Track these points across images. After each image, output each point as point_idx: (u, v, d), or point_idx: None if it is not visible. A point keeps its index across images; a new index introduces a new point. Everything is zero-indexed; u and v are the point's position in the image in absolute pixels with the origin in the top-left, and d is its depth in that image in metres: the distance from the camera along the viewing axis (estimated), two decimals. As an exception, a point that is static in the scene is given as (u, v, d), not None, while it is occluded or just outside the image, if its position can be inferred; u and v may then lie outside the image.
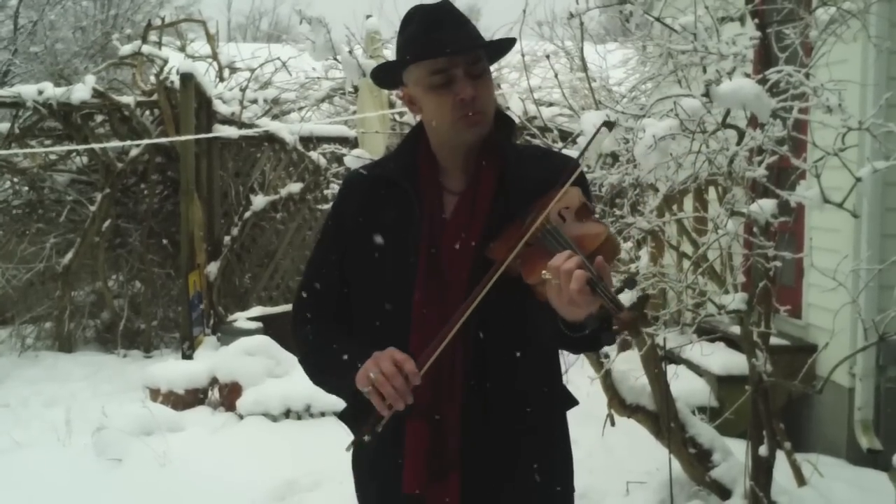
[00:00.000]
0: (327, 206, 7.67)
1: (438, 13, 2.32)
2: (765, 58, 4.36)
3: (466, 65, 2.26)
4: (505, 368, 2.27)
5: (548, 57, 5.43)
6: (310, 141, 10.31)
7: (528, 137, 4.90)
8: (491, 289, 2.16)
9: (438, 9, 2.33)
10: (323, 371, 2.39)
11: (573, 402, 2.45)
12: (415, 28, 2.31)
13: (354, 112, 9.33)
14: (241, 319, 9.19)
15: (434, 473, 2.23)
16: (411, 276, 2.25)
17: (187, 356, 8.98)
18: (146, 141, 9.78)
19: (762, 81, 3.71)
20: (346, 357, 2.26)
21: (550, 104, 10.01)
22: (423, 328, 2.22)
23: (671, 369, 5.51)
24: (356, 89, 7.79)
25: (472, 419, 2.24)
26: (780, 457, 4.61)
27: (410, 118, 8.94)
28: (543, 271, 2.04)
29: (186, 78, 9.43)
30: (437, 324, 2.18)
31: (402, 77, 2.36)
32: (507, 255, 2.15)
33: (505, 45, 2.41)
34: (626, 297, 4.40)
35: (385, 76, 2.43)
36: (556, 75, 4.99)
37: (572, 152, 3.94)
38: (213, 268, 10.02)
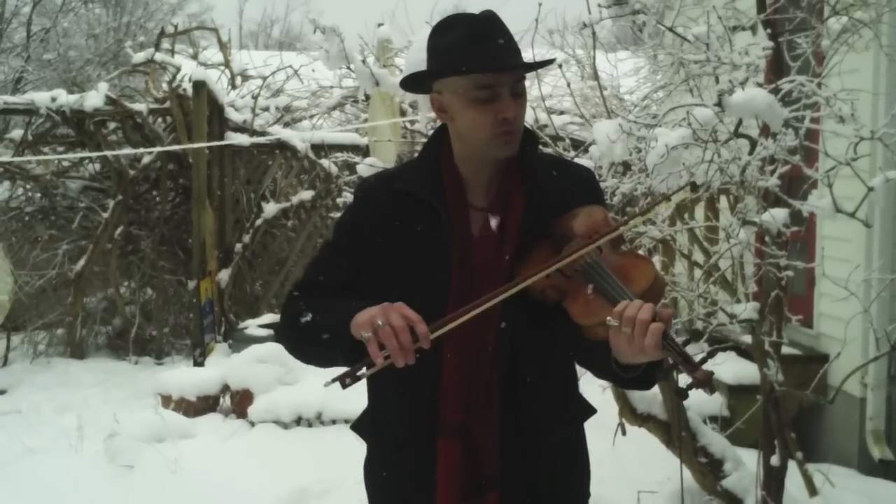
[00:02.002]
0: (339, 214, 7.70)
1: (487, 23, 2.24)
2: (777, 67, 4.35)
3: (512, 82, 2.21)
4: (537, 387, 2.25)
5: (560, 66, 5.43)
6: (321, 149, 10.33)
7: (539, 146, 4.89)
8: (523, 316, 2.15)
9: (486, 19, 2.25)
10: (311, 325, 2.23)
11: (591, 410, 2.45)
12: (459, 36, 2.22)
13: (366, 120, 9.35)
14: (252, 327, 9.21)
15: (469, 494, 2.21)
16: (442, 295, 2.19)
17: (199, 363, 8.99)
18: (158, 148, 9.81)
19: (774, 91, 3.72)
20: (341, 305, 2.15)
21: (562, 112, 10.02)
22: (457, 348, 2.18)
23: (682, 378, 5.50)
24: (368, 97, 7.82)
25: (509, 438, 2.22)
26: (792, 467, 4.60)
27: (422, 126, 8.95)
28: (608, 318, 1.99)
29: (199, 85, 9.47)
30: (470, 343, 2.17)
31: (432, 83, 2.29)
32: (543, 280, 2.12)
33: (546, 64, 2.40)
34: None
35: (414, 81, 2.35)
36: (567, 84, 5.00)
37: (584, 161, 3.95)
38: (224, 275, 10.05)
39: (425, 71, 2.31)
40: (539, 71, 7.36)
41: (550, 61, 2.40)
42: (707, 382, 1.96)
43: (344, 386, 2.05)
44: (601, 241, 2.13)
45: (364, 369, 2.04)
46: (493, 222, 2.26)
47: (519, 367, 2.22)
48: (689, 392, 2.07)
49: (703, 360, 2.00)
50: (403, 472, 2.29)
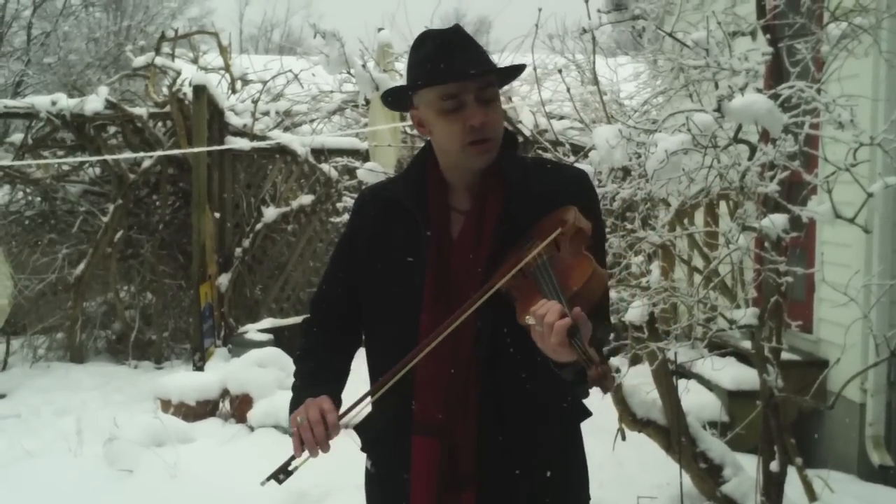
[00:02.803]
0: (339, 219, 7.71)
1: (450, 37, 2.32)
2: (776, 73, 4.36)
3: (477, 90, 2.26)
4: (520, 385, 2.27)
5: (559, 71, 5.44)
6: (321, 153, 10.33)
7: (539, 151, 4.90)
8: (501, 315, 2.18)
9: (450, 33, 2.34)
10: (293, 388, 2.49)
11: (587, 413, 2.45)
12: (426, 52, 2.31)
13: (366, 125, 9.35)
14: (251, 331, 9.20)
15: (446, 491, 2.24)
16: (418, 298, 2.27)
17: (198, 367, 9.00)
18: (159, 152, 9.82)
19: (774, 96, 3.72)
20: (299, 393, 2.41)
21: (561, 117, 10.00)
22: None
23: (682, 384, 5.50)
24: (368, 102, 7.81)
25: (489, 437, 2.24)
26: (791, 472, 4.60)
27: (422, 131, 8.95)
28: (527, 316, 2.05)
29: (199, 90, 9.47)
30: (443, 344, 2.19)
31: (412, 99, 2.37)
32: (508, 280, 2.16)
33: (515, 71, 2.42)
34: (637, 313, 4.40)
35: (396, 99, 2.44)
36: (567, 89, 5.00)
37: (584, 166, 3.95)
38: (224, 279, 10.04)
39: (394, 89, 2.42)
40: (539, 76, 7.38)
41: (518, 67, 2.41)
42: (600, 381, 1.98)
43: (279, 482, 2.31)
44: (539, 248, 2.15)
45: (293, 463, 2.29)
46: (471, 225, 2.31)
47: (500, 365, 2.25)
48: (590, 390, 2.12)
49: (604, 360, 2.03)
50: (383, 469, 2.37)
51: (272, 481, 2.28)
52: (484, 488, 2.25)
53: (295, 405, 2.37)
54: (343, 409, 2.31)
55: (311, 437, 2.24)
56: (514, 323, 2.18)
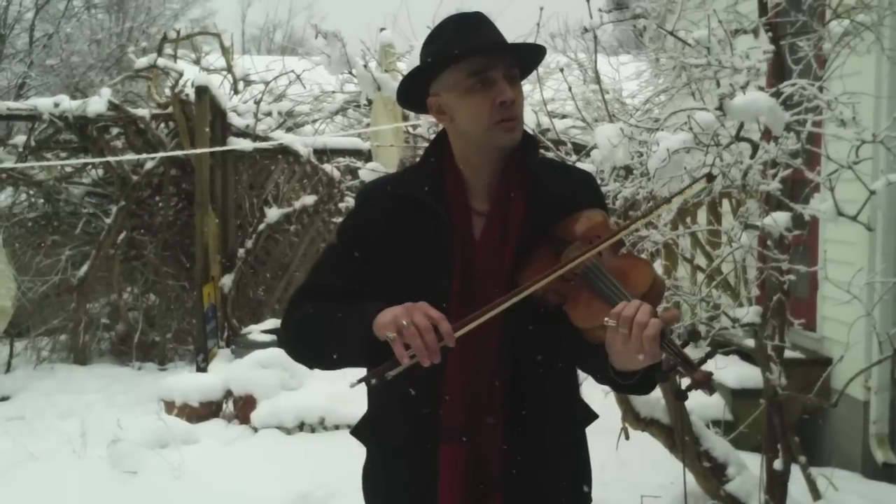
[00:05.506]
0: (341, 219, 7.71)
1: (474, 18, 2.28)
2: (778, 71, 4.35)
3: (505, 68, 2.21)
4: (539, 391, 2.24)
5: (561, 70, 5.45)
6: (324, 153, 10.34)
7: (541, 150, 4.90)
8: (525, 320, 2.14)
9: (474, 15, 2.29)
10: (327, 327, 2.25)
11: (593, 416, 2.44)
12: (449, 31, 2.26)
13: (368, 125, 9.36)
14: (255, 332, 9.20)
15: (473, 498, 2.20)
16: (444, 301, 2.16)
17: (202, 369, 9.00)
18: (161, 154, 9.83)
19: (776, 94, 3.72)
20: (358, 306, 2.17)
21: (563, 116, 10.00)
22: (460, 353, 2.13)
23: (685, 382, 5.49)
24: (370, 102, 7.81)
25: (513, 443, 2.21)
26: (795, 470, 4.59)
27: (424, 131, 8.96)
28: (606, 318, 1.98)
29: (201, 91, 9.48)
30: (473, 347, 2.14)
31: (429, 88, 2.29)
32: (545, 284, 2.10)
33: (538, 54, 2.37)
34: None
35: (411, 90, 2.33)
36: (569, 88, 5.01)
37: (586, 165, 3.95)
38: (227, 280, 10.05)
39: (412, 75, 2.30)
40: (541, 75, 7.37)
41: (539, 52, 2.36)
42: (706, 383, 1.94)
43: (370, 386, 2.08)
44: (602, 245, 2.11)
45: (391, 370, 2.04)
46: (495, 227, 2.25)
47: (522, 370, 2.21)
48: (689, 393, 2.04)
49: (703, 361, 1.98)
50: (405, 476, 2.28)
51: (362, 384, 2.07)
52: (510, 493, 2.22)
53: (353, 319, 2.14)
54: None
55: (422, 345, 1.99)
56: (536, 328, 2.16)
